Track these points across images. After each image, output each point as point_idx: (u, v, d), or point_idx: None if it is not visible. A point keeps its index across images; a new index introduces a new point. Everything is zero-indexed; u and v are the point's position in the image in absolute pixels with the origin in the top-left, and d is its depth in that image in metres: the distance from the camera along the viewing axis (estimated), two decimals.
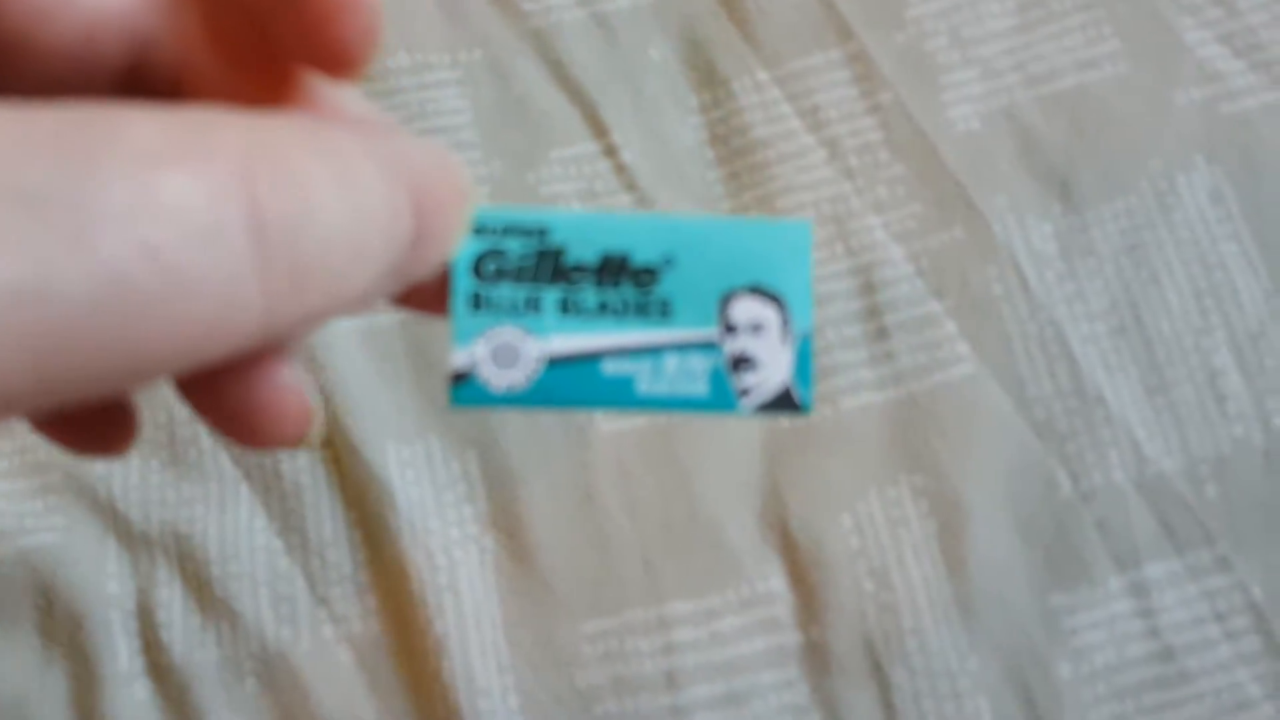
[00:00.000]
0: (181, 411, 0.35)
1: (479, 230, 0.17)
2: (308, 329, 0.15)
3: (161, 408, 0.35)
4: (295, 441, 0.18)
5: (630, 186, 0.36)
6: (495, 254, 0.17)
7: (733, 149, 0.36)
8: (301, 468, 0.34)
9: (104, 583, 0.33)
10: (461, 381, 0.17)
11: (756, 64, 0.37)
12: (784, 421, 0.33)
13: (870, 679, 0.31)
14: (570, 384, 0.17)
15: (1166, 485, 0.32)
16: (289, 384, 0.17)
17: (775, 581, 0.32)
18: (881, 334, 0.34)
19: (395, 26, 0.38)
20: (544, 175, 0.36)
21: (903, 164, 0.35)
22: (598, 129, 0.37)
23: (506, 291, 0.17)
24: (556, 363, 0.17)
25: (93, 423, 0.18)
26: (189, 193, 0.12)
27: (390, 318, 0.35)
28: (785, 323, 0.18)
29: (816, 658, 0.31)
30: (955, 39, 0.37)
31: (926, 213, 0.35)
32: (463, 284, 0.17)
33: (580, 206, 0.36)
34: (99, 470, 0.34)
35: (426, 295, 0.18)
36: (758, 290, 0.18)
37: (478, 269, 0.17)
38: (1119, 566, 0.32)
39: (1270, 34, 0.36)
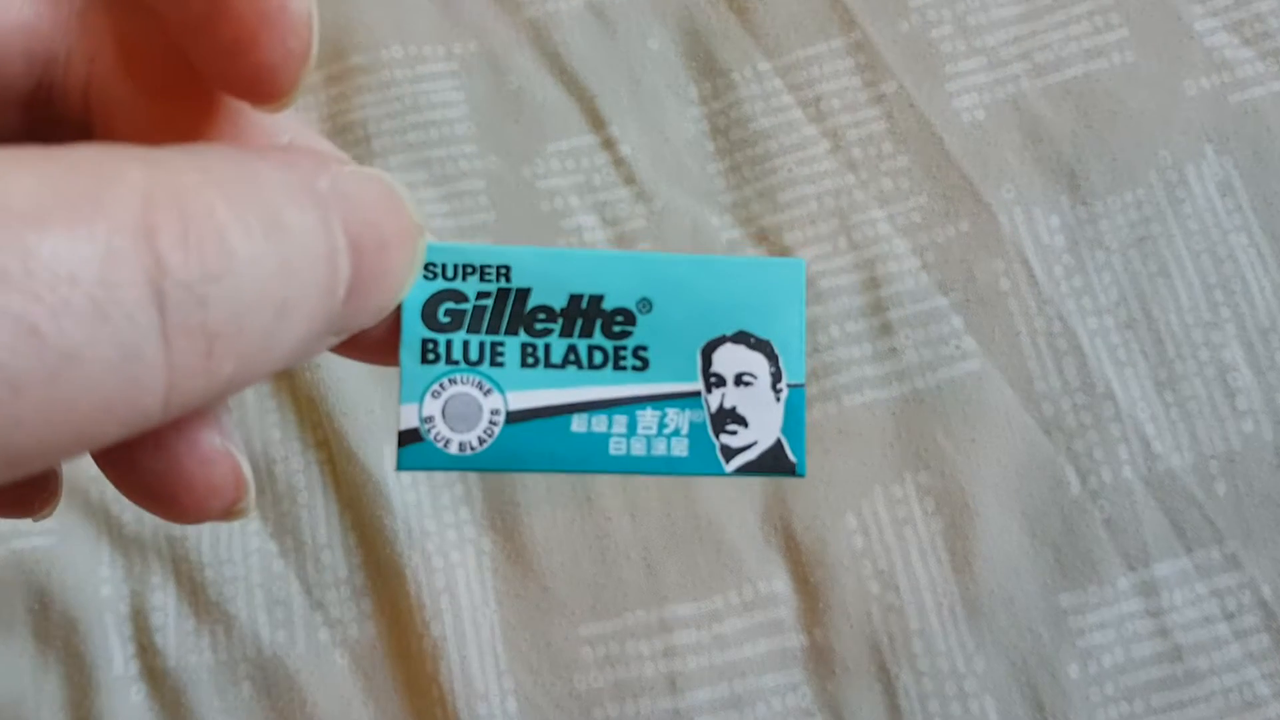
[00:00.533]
0: None
1: (431, 269, 0.15)
2: (225, 396, 0.13)
3: None
4: (225, 515, 0.16)
5: (629, 179, 0.35)
6: (450, 296, 0.15)
7: (733, 141, 0.36)
8: (296, 470, 0.33)
9: (98, 586, 0.33)
10: (411, 442, 0.15)
11: (757, 54, 0.36)
12: None
13: (875, 681, 0.31)
14: (533, 444, 0.16)
15: (1176, 482, 0.32)
16: (216, 451, 0.15)
17: (778, 583, 0.32)
18: (886, 330, 0.33)
19: (389, 18, 0.37)
20: (541, 169, 0.36)
21: (907, 155, 0.35)
22: (596, 121, 0.36)
23: (462, 339, 0.16)
24: (518, 420, 0.16)
25: (6, 490, 0.16)
26: (75, 258, 0.10)
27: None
28: (775, 373, 0.16)
29: (821, 660, 0.31)
30: (960, 27, 0.36)
31: (932, 205, 0.34)
32: (412, 332, 0.15)
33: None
34: (92, 473, 0.33)
35: (372, 344, 0.16)
36: (745, 337, 0.16)
37: (430, 314, 0.15)
38: (1128, 565, 0.31)
39: (1279, 22, 0.35)
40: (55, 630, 0.32)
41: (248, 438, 0.34)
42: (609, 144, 0.36)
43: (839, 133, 0.35)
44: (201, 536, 0.33)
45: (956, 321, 0.33)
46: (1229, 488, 0.31)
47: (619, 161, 0.36)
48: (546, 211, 0.35)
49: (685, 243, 0.35)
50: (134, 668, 0.32)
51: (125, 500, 0.33)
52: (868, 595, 0.31)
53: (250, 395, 0.34)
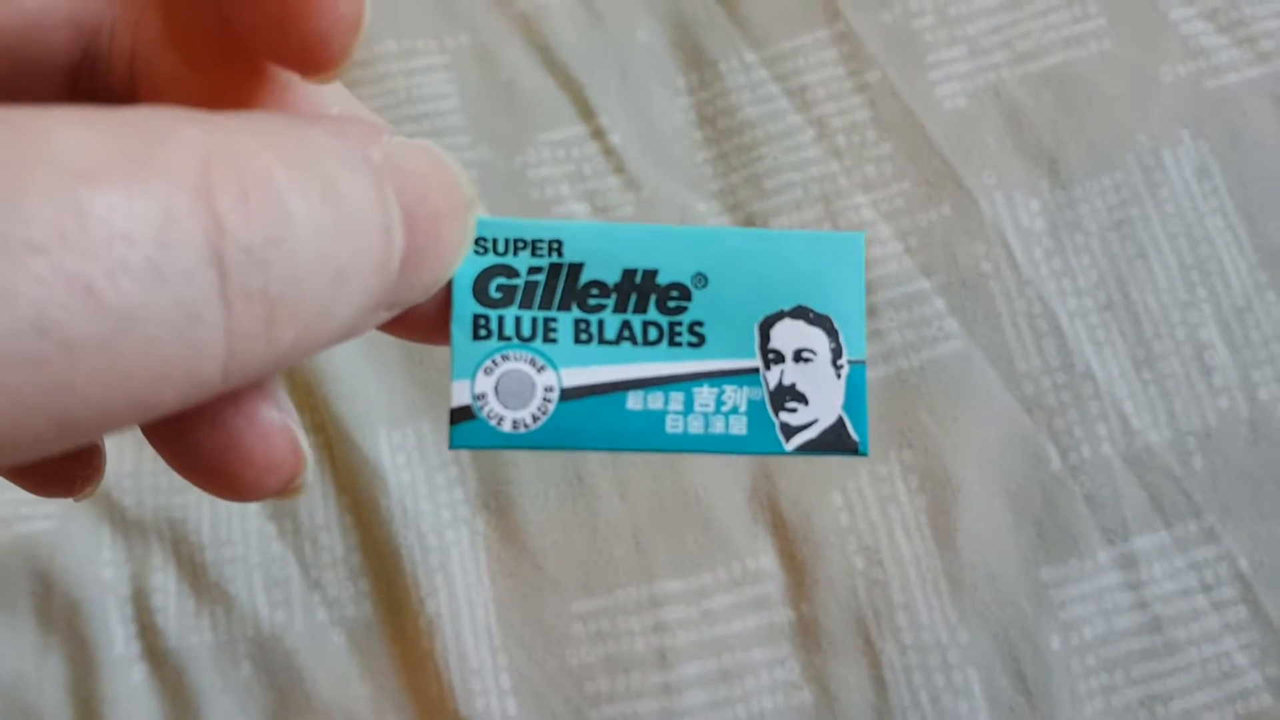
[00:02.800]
0: None
1: (482, 244, 0.15)
2: (285, 367, 0.12)
3: None
4: (283, 491, 0.15)
5: (619, 169, 0.36)
6: (501, 272, 0.15)
7: (720, 130, 0.37)
8: None
9: (99, 569, 0.33)
10: (463, 420, 0.15)
11: (744, 45, 0.37)
12: None
13: (861, 654, 0.31)
14: (588, 422, 0.15)
15: (1154, 458, 0.32)
16: (274, 425, 0.15)
17: (765, 559, 0.32)
18: (870, 311, 0.34)
19: (382, 12, 0.38)
20: (532, 159, 0.37)
21: (890, 143, 0.35)
22: (585, 112, 0.37)
23: (514, 315, 0.15)
24: (572, 397, 0.15)
25: (49, 465, 0.16)
26: (132, 216, 0.10)
27: None
28: (836, 349, 0.15)
29: (807, 634, 0.32)
30: (942, 18, 0.37)
31: (914, 191, 0.35)
32: (464, 307, 0.15)
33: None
34: None
35: (423, 321, 0.16)
36: (804, 312, 0.15)
37: (481, 290, 0.15)
38: (1108, 539, 0.32)
39: (1253, 9, 0.36)
40: (58, 612, 0.33)
41: None
42: (599, 134, 0.37)
43: (824, 121, 0.36)
44: (202, 518, 0.34)
45: (939, 304, 0.34)
46: (1206, 463, 0.32)
47: (608, 151, 0.36)
48: (537, 200, 0.36)
49: None
50: (135, 648, 0.33)
51: (126, 484, 0.34)
52: (853, 571, 0.32)
53: None
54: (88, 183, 0.09)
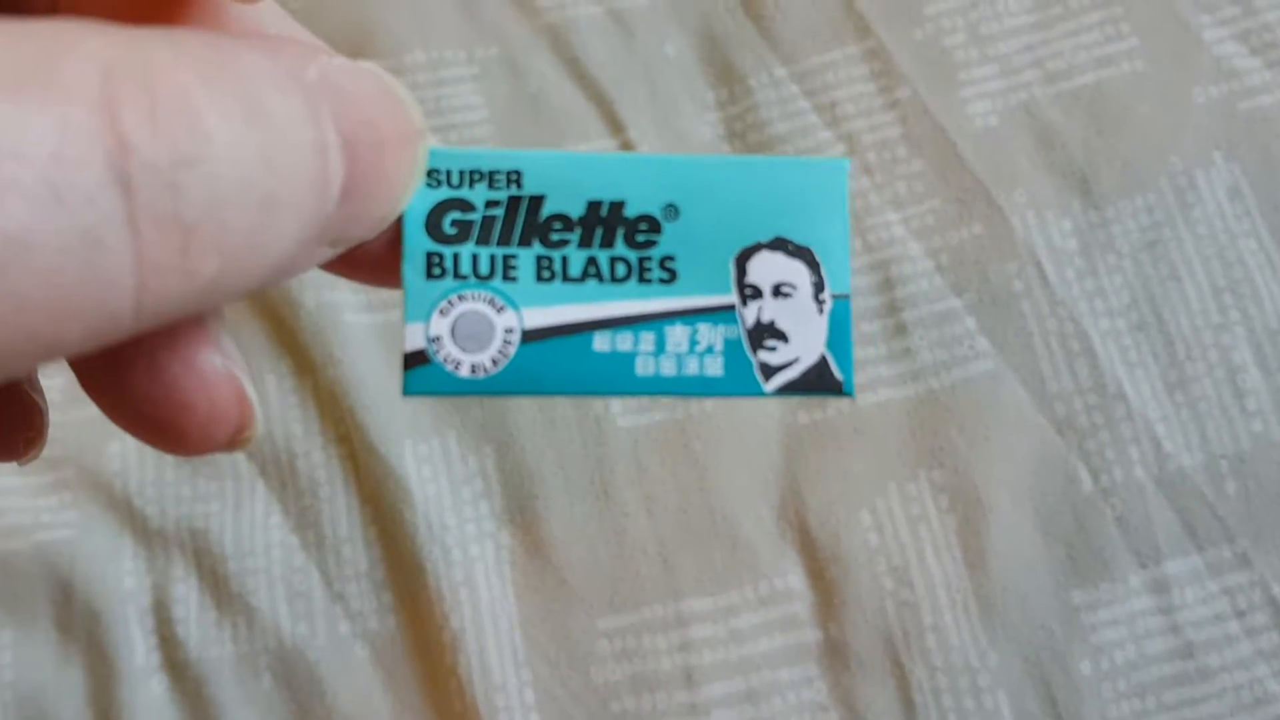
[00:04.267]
0: None
1: (435, 177, 0.14)
2: (212, 304, 0.11)
3: None
4: (231, 443, 0.14)
5: None
6: (456, 205, 0.14)
7: (750, 145, 0.36)
8: (318, 464, 0.34)
9: (120, 578, 0.33)
10: (418, 364, 0.14)
11: (774, 60, 0.37)
12: (803, 416, 0.33)
13: (890, 676, 0.31)
14: (552, 365, 0.14)
15: (1186, 481, 0.32)
16: (216, 371, 0.14)
17: (794, 578, 0.32)
18: (901, 330, 0.34)
19: (411, 23, 0.38)
20: None
21: (921, 160, 0.35)
22: (614, 125, 0.37)
23: (471, 252, 0.14)
24: (534, 339, 0.14)
25: None
26: (23, 131, 0.09)
27: None
28: (818, 283, 0.14)
29: (835, 655, 0.31)
30: (973, 35, 0.37)
31: (945, 209, 0.35)
32: (416, 244, 0.14)
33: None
34: (114, 466, 0.34)
35: (372, 260, 0.14)
36: (783, 244, 0.14)
37: (434, 225, 0.14)
38: (1139, 563, 0.31)
39: None
40: (77, 622, 0.33)
41: (269, 433, 0.34)
42: (627, 147, 0.36)
43: (854, 137, 0.36)
44: (224, 529, 0.33)
45: (970, 322, 0.33)
46: (1239, 487, 0.32)
47: None
48: None
49: None
50: (155, 659, 0.32)
51: (148, 493, 0.34)
52: (882, 591, 0.32)
53: (272, 390, 0.34)
54: None
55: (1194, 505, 0.32)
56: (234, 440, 0.14)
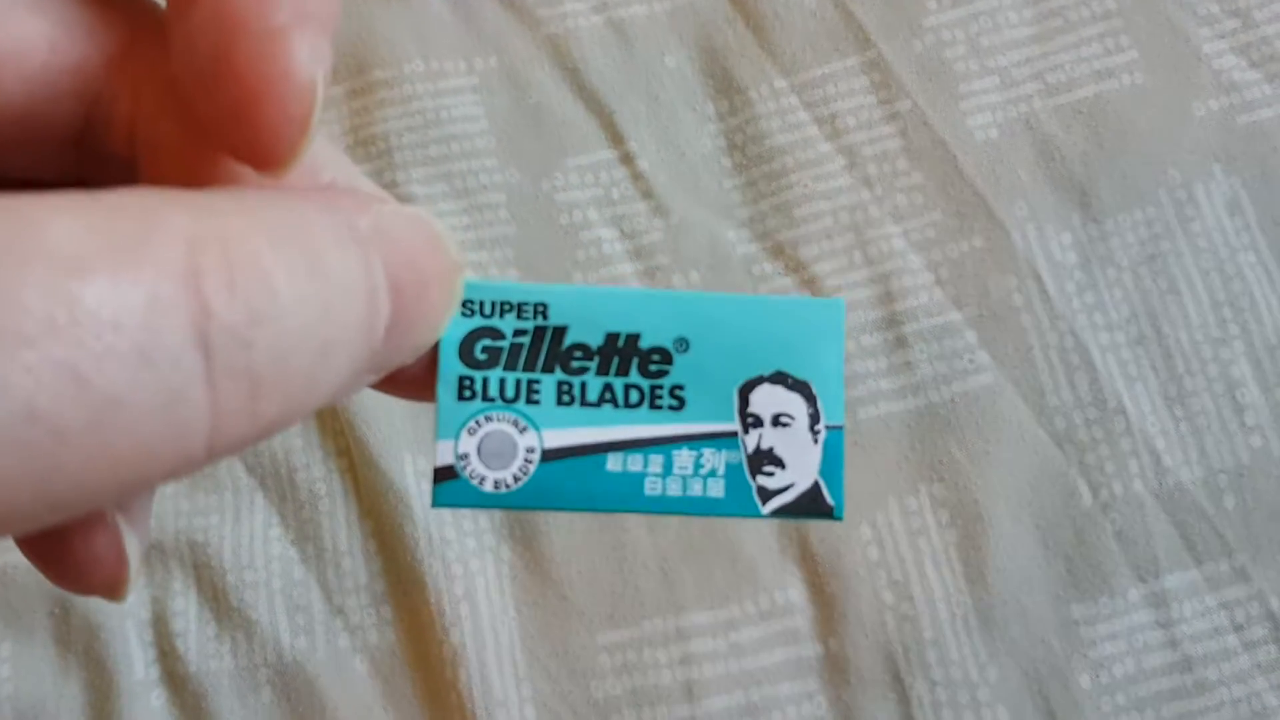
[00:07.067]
0: None
1: (469, 306, 0.15)
2: (265, 438, 0.12)
3: None
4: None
5: (647, 194, 0.36)
6: (487, 334, 0.15)
7: (750, 157, 0.36)
8: (317, 477, 0.34)
9: None
10: (446, 479, 0.15)
11: (774, 72, 0.37)
12: None
13: (890, 690, 0.31)
14: (568, 483, 0.15)
15: (1186, 496, 0.32)
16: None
17: (794, 592, 0.32)
18: (901, 343, 0.34)
19: (411, 34, 0.38)
20: (560, 183, 0.36)
21: (921, 172, 0.35)
22: (614, 137, 0.37)
23: (499, 376, 0.15)
24: (553, 458, 0.15)
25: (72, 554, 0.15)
26: (119, 304, 0.10)
27: None
28: (814, 414, 0.16)
29: (836, 669, 0.31)
30: (973, 48, 0.37)
31: (946, 222, 0.35)
32: (449, 368, 0.15)
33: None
34: None
35: (410, 380, 0.16)
36: (783, 378, 0.16)
37: (467, 351, 0.15)
38: (1139, 577, 0.32)
39: None
40: (76, 635, 0.33)
41: (270, 446, 0.34)
42: (627, 159, 0.36)
43: (854, 150, 0.36)
44: (223, 542, 0.33)
45: (970, 336, 0.34)
46: (1237, 501, 0.32)
47: (637, 176, 0.36)
48: (566, 224, 0.36)
49: (702, 256, 0.35)
50: (155, 673, 0.32)
51: None
52: (882, 605, 0.32)
53: None
54: (78, 273, 0.10)
55: (1193, 520, 0.32)
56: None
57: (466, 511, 0.33)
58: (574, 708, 0.31)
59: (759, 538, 0.32)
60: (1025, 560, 0.32)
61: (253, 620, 0.33)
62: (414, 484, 0.33)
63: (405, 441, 0.34)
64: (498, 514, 0.33)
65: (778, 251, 0.35)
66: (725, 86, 0.37)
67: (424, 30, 0.38)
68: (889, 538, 0.32)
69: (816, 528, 0.32)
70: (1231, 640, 0.31)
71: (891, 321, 0.34)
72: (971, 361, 0.33)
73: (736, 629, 0.32)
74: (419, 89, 0.37)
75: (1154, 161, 0.35)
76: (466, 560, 0.33)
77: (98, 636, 0.32)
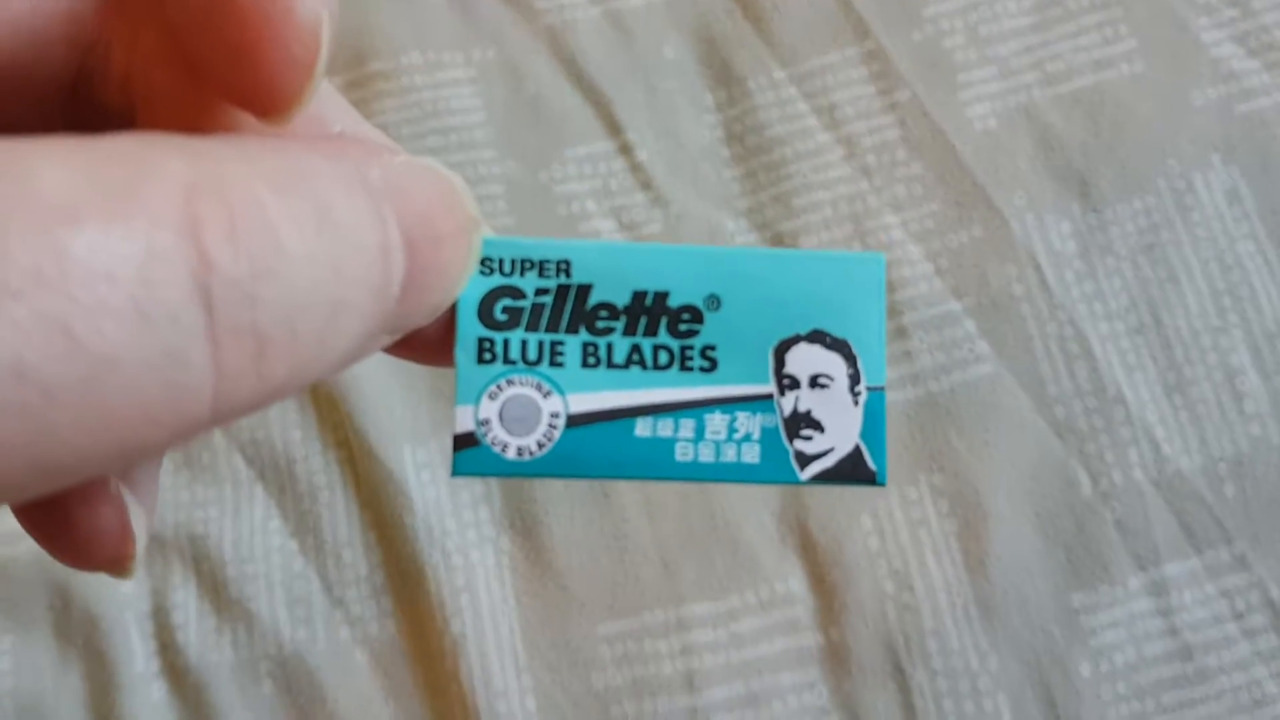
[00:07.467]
0: None
1: (488, 265, 0.15)
2: (274, 402, 0.12)
3: None
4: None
5: (646, 185, 0.36)
6: (507, 293, 0.15)
7: (749, 147, 0.36)
8: (317, 468, 0.34)
9: (119, 584, 0.33)
10: (467, 446, 0.15)
11: (772, 62, 0.37)
12: None
13: (890, 680, 0.31)
14: (595, 449, 0.15)
15: (1185, 484, 0.32)
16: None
17: (795, 582, 0.32)
18: (900, 333, 0.34)
19: (409, 25, 0.38)
20: (558, 174, 0.36)
21: (920, 162, 0.35)
22: (612, 127, 0.37)
23: (520, 338, 0.15)
24: (579, 423, 0.15)
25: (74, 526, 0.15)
26: (112, 255, 0.09)
27: None
28: (854, 375, 0.15)
29: (836, 659, 0.31)
30: (972, 37, 0.36)
31: (945, 211, 0.35)
32: (468, 330, 0.15)
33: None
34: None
35: (426, 343, 0.15)
36: (821, 336, 0.15)
37: (486, 312, 0.15)
38: (1139, 565, 0.32)
39: None
40: (76, 628, 0.33)
41: (269, 437, 0.34)
42: (626, 149, 0.36)
43: (853, 140, 0.36)
44: (223, 535, 0.33)
45: (970, 326, 0.34)
46: (1237, 489, 0.32)
47: (636, 167, 0.36)
48: (564, 215, 0.36)
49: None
50: (155, 665, 0.32)
51: None
52: (883, 595, 0.32)
53: None
54: (67, 222, 0.09)
55: (1193, 508, 0.32)
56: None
57: (466, 502, 0.33)
58: (574, 698, 0.31)
59: (760, 527, 0.32)
60: (1025, 549, 0.32)
61: (253, 612, 0.33)
62: (414, 475, 0.33)
63: (405, 433, 0.34)
64: (497, 505, 0.33)
65: (777, 242, 0.35)
66: (724, 77, 0.37)
67: (422, 22, 0.38)
68: (889, 527, 0.32)
69: (817, 516, 0.32)
70: (1231, 628, 0.31)
71: (891, 311, 0.34)
72: (971, 351, 0.33)
73: (737, 619, 0.32)
74: (417, 80, 0.37)
75: (1153, 150, 0.35)
76: (467, 551, 0.33)
77: (98, 629, 0.32)
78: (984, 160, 0.35)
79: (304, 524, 0.33)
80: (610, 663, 0.32)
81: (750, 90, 0.37)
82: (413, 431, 0.34)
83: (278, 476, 0.34)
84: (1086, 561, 0.32)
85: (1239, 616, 0.31)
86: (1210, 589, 0.31)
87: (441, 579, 0.32)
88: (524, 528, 0.33)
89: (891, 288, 0.34)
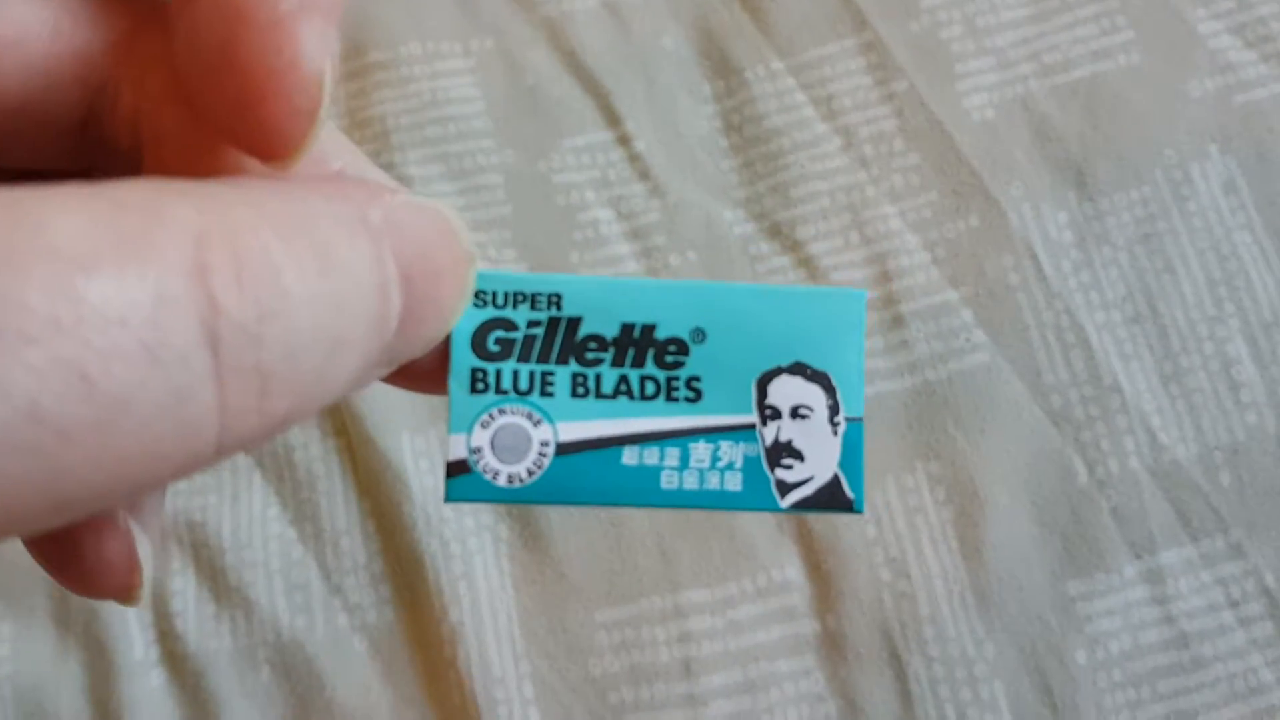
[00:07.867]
0: None
1: (481, 297, 0.15)
2: (276, 434, 0.12)
3: None
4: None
5: (644, 175, 0.36)
6: (500, 325, 0.15)
7: (746, 138, 0.36)
8: (315, 457, 0.34)
9: None
10: (459, 473, 0.15)
11: (770, 53, 0.37)
12: None
13: (887, 666, 0.31)
14: (584, 477, 0.15)
15: (1181, 472, 0.32)
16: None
17: (791, 570, 0.32)
18: (897, 322, 0.34)
19: (408, 16, 0.38)
20: (556, 164, 0.36)
21: (918, 153, 0.35)
22: (611, 118, 0.37)
23: (512, 369, 0.15)
24: (568, 452, 0.15)
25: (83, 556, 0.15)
26: (125, 301, 0.10)
27: None
28: (834, 406, 0.15)
29: (833, 646, 0.31)
30: (969, 28, 0.37)
31: (942, 201, 0.35)
32: (461, 361, 0.15)
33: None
34: None
35: (421, 372, 0.15)
36: (802, 369, 0.15)
37: (479, 343, 0.15)
38: (1134, 553, 0.32)
39: None
40: (75, 615, 0.33)
41: None
42: (624, 140, 0.36)
43: (851, 130, 0.36)
44: (222, 522, 0.33)
45: (966, 315, 0.34)
46: (1233, 478, 0.32)
47: (634, 157, 0.36)
48: (563, 205, 0.36)
49: (699, 236, 0.35)
50: (154, 653, 0.32)
51: None
52: (879, 582, 0.32)
53: None
54: (82, 270, 0.09)
55: (1188, 496, 0.32)
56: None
57: None
58: (572, 685, 0.32)
59: (757, 516, 0.33)
60: (1021, 537, 0.32)
61: (251, 600, 0.33)
62: (412, 463, 0.33)
63: (403, 420, 0.34)
64: None
65: (775, 232, 0.35)
66: (722, 68, 0.37)
67: (421, 12, 0.38)
68: (886, 515, 0.32)
69: None
70: (1227, 616, 0.31)
71: (888, 301, 0.34)
72: (968, 340, 0.33)
73: (734, 606, 0.32)
74: (416, 71, 0.37)
75: (1150, 141, 0.35)
76: (465, 539, 0.33)
77: (97, 617, 0.32)
78: (981, 151, 0.35)
79: (302, 512, 0.33)
80: (608, 649, 0.32)
81: (748, 81, 0.37)
82: (411, 420, 0.34)
83: (276, 464, 0.34)
84: (1082, 549, 0.32)
85: (1234, 605, 0.31)
86: (1206, 577, 0.32)
87: (440, 567, 0.32)
88: (522, 515, 0.33)
89: (888, 277, 0.34)
